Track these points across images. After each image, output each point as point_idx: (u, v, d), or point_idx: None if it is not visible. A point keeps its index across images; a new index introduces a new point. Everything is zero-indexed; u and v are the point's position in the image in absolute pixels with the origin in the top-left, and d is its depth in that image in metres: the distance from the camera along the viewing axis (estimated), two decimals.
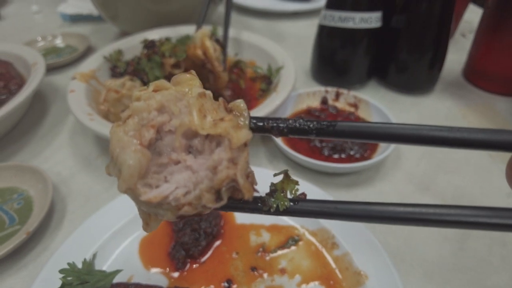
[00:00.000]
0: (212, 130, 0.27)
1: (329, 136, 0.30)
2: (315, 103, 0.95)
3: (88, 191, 0.78)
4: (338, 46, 1.00)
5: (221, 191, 0.27)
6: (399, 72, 1.04)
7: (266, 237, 0.64)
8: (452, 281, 0.61)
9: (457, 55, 1.22)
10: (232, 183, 0.27)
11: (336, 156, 0.79)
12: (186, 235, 0.61)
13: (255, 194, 0.29)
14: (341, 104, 0.95)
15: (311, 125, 0.30)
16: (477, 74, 1.10)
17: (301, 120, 0.30)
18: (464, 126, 0.87)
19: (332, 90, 0.95)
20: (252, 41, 1.08)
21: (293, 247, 0.62)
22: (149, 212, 0.29)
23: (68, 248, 0.60)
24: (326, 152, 0.79)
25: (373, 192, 0.76)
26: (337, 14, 0.94)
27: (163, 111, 0.27)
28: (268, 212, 0.30)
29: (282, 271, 0.59)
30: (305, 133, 0.30)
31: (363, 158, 0.78)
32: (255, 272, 0.59)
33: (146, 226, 0.30)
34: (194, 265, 0.60)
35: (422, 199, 0.75)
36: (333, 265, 0.59)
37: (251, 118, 0.30)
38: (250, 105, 0.94)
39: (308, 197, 0.32)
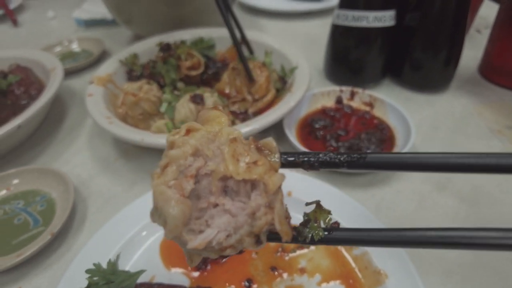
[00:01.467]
0: (247, 175, 0.28)
1: (360, 168, 0.31)
2: (330, 103, 0.95)
3: (107, 192, 0.80)
4: (352, 45, 1.00)
5: (260, 235, 0.29)
6: (414, 70, 1.03)
7: None
8: (472, 279, 0.60)
9: (472, 51, 1.20)
10: (269, 227, 0.28)
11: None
12: None
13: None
14: (356, 103, 0.95)
15: (341, 158, 0.30)
16: (494, 70, 1.08)
17: (331, 154, 0.31)
18: (479, 123, 0.86)
19: (346, 89, 0.95)
20: (265, 42, 1.08)
21: (312, 247, 0.63)
22: (193, 254, 0.30)
23: (91, 249, 0.62)
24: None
25: (389, 192, 0.76)
26: (351, 13, 0.94)
27: (198, 154, 0.29)
28: (303, 242, 0.31)
29: (302, 271, 0.59)
30: (336, 166, 0.31)
31: None
32: (275, 272, 0.59)
33: (190, 262, 0.31)
34: (215, 266, 0.61)
35: (440, 199, 0.74)
36: (353, 264, 0.59)
37: (282, 154, 0.31)
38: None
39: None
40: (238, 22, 1.02)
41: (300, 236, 0.31)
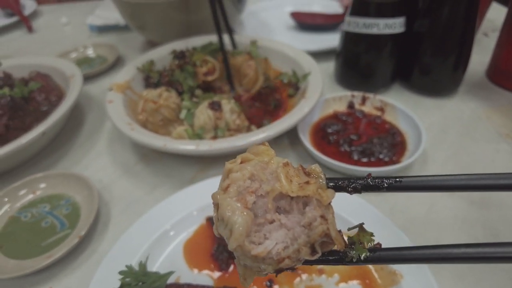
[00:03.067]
0: (301, 192, 0.31)
1: (397, 191, 0.35)
2: (342, 108, 0.98)
3: (129, 196, 0.83)
4: (363, 51, 1.03)
5: (315, 245, 0.32)
6: (423, 75, 1.05)
7: None
8: (484, 280, 0.63)
9: (479, 55, 1.22)
10: (324, 238, 0.31)
11: (365, 160, 0.82)
12: None
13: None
14: (367, 108, 0.97)
15: (383, 183, 0.35)
16: (501, 74, 1.11)
17: (372, 179, 0.35)
18: (488, 127, 0.89)
19: (358, 94, 0.98)
20: (277, 48, 1.11)
21: None
22: (251, 267, 0.33)
23: (117, 251, 0.65)
24: (355, 156, 0.82)
25: (401, 196, 0.78)
26: (362, 20, 0.97)
27: (253, 179, 0.32)
28: (350, 263, 0.34)
29: (320, 271, 0.62)
30: (378, 189, 0.35)
31: (391, 161, 0.81)
32: (295, 272, 0.62)
33: (244, 281, 0.34)
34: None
35: (450, 202, 0.77)
36: (369, 265, 0.62)
37: (327, 179, 0.35)
38: (282, 109, 0.98)
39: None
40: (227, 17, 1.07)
41: (347, 257, 0.34)
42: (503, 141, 0.91)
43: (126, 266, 0.55)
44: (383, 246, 0.35)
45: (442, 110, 1.03)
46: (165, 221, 0.70)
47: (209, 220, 0.71)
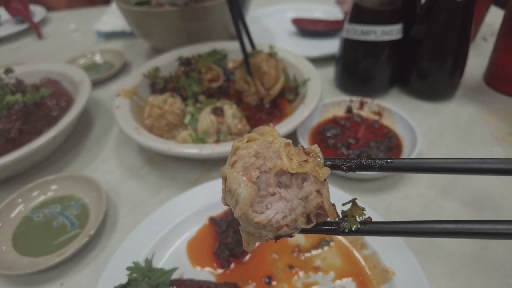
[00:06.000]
0: (300, 169, 0.35)
1: (388, 171, 0.38)
2: (340, 112, 1.01)
3: (136, 197, 0.87)
4: (361, 58, 1.06)
5: (310, 215, 0.36)
6: (421, 79, 1.08)
7: (300, 238, 0.71)
8: (475, 278, 0.65)
9: (478, 59, 1.25)
10: (319, 210, 0.36)
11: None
12: (229, 236, 0.68)
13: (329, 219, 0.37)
14: (365, 113, 1.00)
15: (376, 162, 0.38)
16: (498, 79, 1.13)
17: (366, 160, 0.38)
18: (484, 130, 0.91)
19: (356, 99, 1.01)
20: (281, 55, 1.15)
21: (325, 248, 0.68)
22: (254, 233, 0.37)
23: (125, 249, 0.69)
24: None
25: (397, 197, 0.81)
26: (360, 28, 1.00)
27: (258, 156, 0.36)
28: (342, 233, 0.38)
29: (317, 269, 0.65)
30: (370, 169, 0.38)
31: None
32: (293, 270, 0.66)
33: (247, 245, 0.39)
34: (237, 264, 0.68)
35: (444, 203, 0.79)
36: (363, 263, 0.65)
37: (324, 158, 0.38)
38: (282, 114, 1.01)
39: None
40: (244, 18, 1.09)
41: (340, 228, 0.38)
42: (498, 144, 0.94)
43: (133, 262, 0.59)
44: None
45: (439, 114, 1.06)
46: (170, 221, 0.73)
47: (211, 220, 0.75)
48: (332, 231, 0.38)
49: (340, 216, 0.38)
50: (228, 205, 0.37)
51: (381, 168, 0.38)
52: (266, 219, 0.35)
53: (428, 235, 0.37)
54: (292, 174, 0.36)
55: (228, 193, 0.36)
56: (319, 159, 0.37)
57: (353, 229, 0.37)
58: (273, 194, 0.36)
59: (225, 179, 0.37)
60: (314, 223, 0.36)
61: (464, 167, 0.36)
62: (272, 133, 0.38)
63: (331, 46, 1.33)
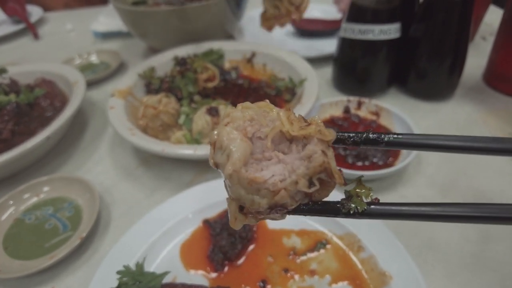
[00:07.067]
0: (303, 131, 0.31)
1: (396, 147, 0.35)
2: (338, 112, 1.00)
3: (130, 199, 0.86)
4: (359, 57, 1.05)
5: (313, 178, 0.31)
6: (419, 79, 1.07)
7: (296, 241, 0.69)
8: (473, 281, 0.64)
9: (477, 59, 1.23)
10: (322, 174, 0.31)
11: (359, 163, 0.84)
12: (223, 239, 0.67)
13: (329, 199, 0.33)
14: (363, 113, 0.99)
15: (383, 137, 0.34)
16: (497, 78, 1.12)
17: (373, 133, 0.34)
18: (483, 131, 0.90)
19: (354, 99, 1.00)
20: (274, 54, 1.14)
21: (321, 250, 0.67)
22: (245, 200, 0.31)
23: (117, 252, 0.67)
24: (350, 160, 0.84)
25: (396, 197, 0.80)
26: (357, 27, 0.99)
27: (253, 122, 0.32)
28: (347, 215, 0.33)
29: (312, 272, 0.64)
30: (376, 143, 0.34)
31: (386, 165, 0.82)
32: (288, 274, 0.64)
33: (234, 221, 0.33)
34: (231, 268, 0.66)
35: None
36: (360, 267, 0.64)
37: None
38: None
39: None
40: None
41: (344, 208, 0.33)
42: None
43: (124, 266, 0.58)
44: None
45: (438, 114, 1.05)
46: (163, 223, 0.72)
47: (205, 222, 0.73)
48: (334, 212, 0.33)
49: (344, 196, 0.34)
50: (216, 166, 0.32)
51: (388, 143, 0.34)
52: (262, 178, 0.30)
53: (445, 219, 0.33)
54: (291, 142, 0.32)
55: (218, 150, 0.31)
56: (322, 127, 0.33)
57: (359, 210, 0.33)
58: (270, 159, 0.31)
59: (214, 144, 0.32)
60: (318, 187, 0.31)
61: (477, 146, 0.33)
62: (269, 106, 0.34)
63: (330, 45, 1.32)
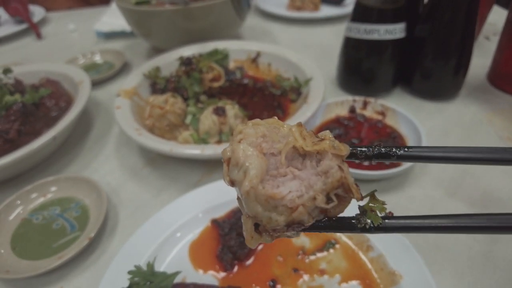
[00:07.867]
0: (317, 146, 0.31)
1: (406, 160, 0.35)
2: (343, 112, 1.00)
3: (137, 199, 0.86)
4: (364, 57, 1.05)
5: (331, 193, 0.31)
6: (424, 79, 1.07)
7: (305, 240, 0.70)
8: (483, 281, 0.64)
9: (481, 59, 1.24)
10: (340, 190, 0.31)
11: (366, 163, 0.84)
12: (232, 239, 0.67)
13: (344, 215, 0.33)
14: (368, 113, 0.99)
15: (395, 151, 0.35)
16: (502, 78, 1.12)
17: (385, 147, 0.35)
18: (489, 130, 0.90)
19: (359, 99, 1.00)
20: (282, 55, 1.14)
21: (331, 250, 0.67)
22: (262, 217, 0.31)
23: (126, 252, 0.67)
24: (356, 160, 0.84)
25: (403, 197, 0.80)
26: (362, 26, 0.99)
27: (265, 139, 0.32)
28: (363, 230, 0.33)
29: (322, 272, 0.64)
30: (388, 157, 0.35)
31: (393, 165, 0.82)
32: (297, 273, 0.64)
33: (250, 239, 0.33)
34: (241, 267, 0.66)
35: (450, 203, 0.78)
36: (369, 266, 0.64)
37: None
38: (284, 114, 1.00)
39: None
40: None
41: (360, 223, 0.33)
42: (503, 144, 0.93)
43: (135, 266, 0.58)
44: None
45: (443, 114, 1.05)
46: (172, 223, 0.72)
47: (214, 222, 0.73)
48: (350, 228, 0.33)
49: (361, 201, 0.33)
50: (232, 184, 0.32)
51: (400, 157, 0.34)
52: (280, 194, 0.30)
53: (459, 230, 0.33)
54: (304, 157, 0.32)
55: (234, 167, 0.31)
56: (335, 141, 0.33)
57: (375, 225, 0.33)
58: (285, 175, 0.31)
59: (227, 161, 0.32)
60: (336, 202, 0.31)
61: (488, 157, 0.34)
62: (279, 123, 0.34)
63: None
